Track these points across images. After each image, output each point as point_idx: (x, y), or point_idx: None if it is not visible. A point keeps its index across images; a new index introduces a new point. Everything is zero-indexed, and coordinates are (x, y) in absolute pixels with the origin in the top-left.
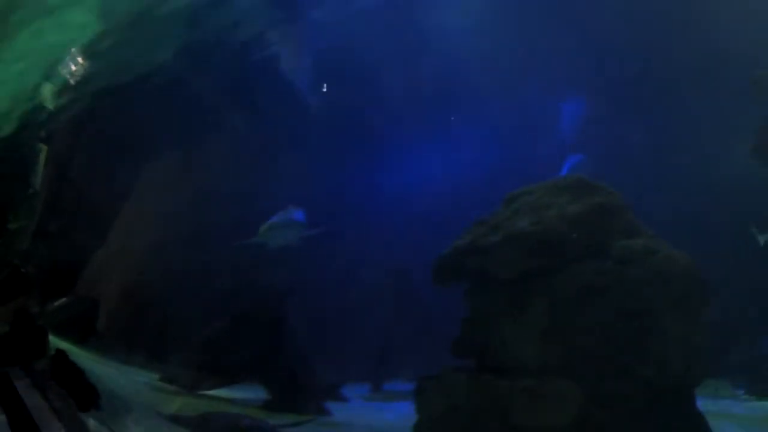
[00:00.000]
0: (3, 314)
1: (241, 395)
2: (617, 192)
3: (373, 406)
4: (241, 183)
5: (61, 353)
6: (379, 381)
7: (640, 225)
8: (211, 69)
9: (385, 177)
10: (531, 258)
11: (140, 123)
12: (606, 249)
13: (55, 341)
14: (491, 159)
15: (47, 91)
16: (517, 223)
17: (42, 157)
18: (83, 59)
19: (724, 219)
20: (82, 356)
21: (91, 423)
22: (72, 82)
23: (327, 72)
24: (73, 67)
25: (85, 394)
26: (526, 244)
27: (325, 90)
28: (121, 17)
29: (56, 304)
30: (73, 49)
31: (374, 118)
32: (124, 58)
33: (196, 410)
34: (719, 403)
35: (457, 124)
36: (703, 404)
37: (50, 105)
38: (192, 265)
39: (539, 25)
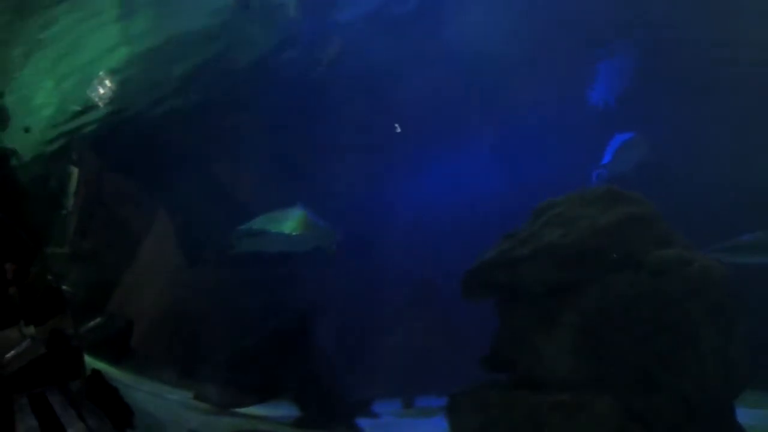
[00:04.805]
0: (39, 335)
1: (274, 413)
2: (648, 201)
3: (405, 422)
4: (269, 196)
5: (95, 373)
6: (410, 397)
7: (674, 234)
8: (235, 87)
9: (412, 187)
10: (563, 271)
11: (168, 142)
12: (639, 260)
13: (90, 361)
14: (522, 165)
15: (77, 113)
16: (547, 236)
17: (74, 178)
18: (111, 82)
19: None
20: (116, 375)
21: None
22: (101, 104)
23: (354, 79)
24: (101, 90)
25: (119, 413)
26: (558, 256)
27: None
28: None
29: (90, 324)
30: (101, 73)
31: (400, 125)
32: (153, 81)
33: (229, 428)
34: (760, 415)
35: (484, 129)
36: (743, 418)
37: (80, 127)
38: (224, 282)
39: None
